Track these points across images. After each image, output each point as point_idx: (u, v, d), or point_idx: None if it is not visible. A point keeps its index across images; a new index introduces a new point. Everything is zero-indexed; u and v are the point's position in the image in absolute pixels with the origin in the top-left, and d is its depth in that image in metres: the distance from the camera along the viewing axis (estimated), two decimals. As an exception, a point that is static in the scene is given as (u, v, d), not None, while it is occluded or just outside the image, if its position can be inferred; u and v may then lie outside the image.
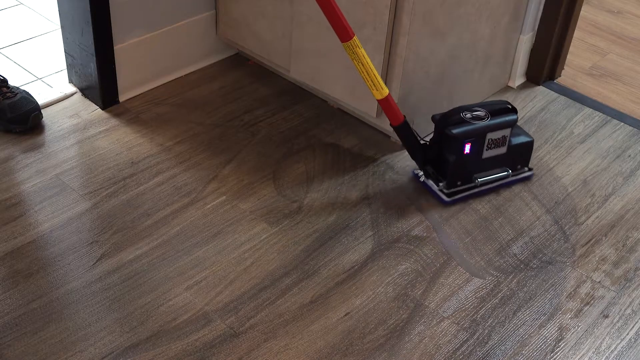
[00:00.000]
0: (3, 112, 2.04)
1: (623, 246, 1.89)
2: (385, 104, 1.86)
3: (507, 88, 2.45)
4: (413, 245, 1.84)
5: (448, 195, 1.95)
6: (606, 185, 2.07)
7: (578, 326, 1.67)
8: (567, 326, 1.67)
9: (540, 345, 1.62)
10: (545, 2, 2.33)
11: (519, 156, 2.03)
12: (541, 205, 1.99)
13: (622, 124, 2.32)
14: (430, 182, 1.98)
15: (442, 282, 1.75)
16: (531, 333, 1.65)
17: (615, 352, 1.62)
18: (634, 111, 2.41)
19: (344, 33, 1.75)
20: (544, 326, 1.66)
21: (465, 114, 1.94)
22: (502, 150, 1.97)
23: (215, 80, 2.35)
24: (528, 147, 2.03)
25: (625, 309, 1.72)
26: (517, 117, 1.97)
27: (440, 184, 1.97)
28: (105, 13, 2.05)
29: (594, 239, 1.90)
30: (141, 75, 2.25)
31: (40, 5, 2.68)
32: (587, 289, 1.76)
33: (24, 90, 2.13)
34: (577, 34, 2.71)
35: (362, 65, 1.78)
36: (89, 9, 2.01)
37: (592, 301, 1.73)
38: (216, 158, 2.05)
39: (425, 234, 1.87)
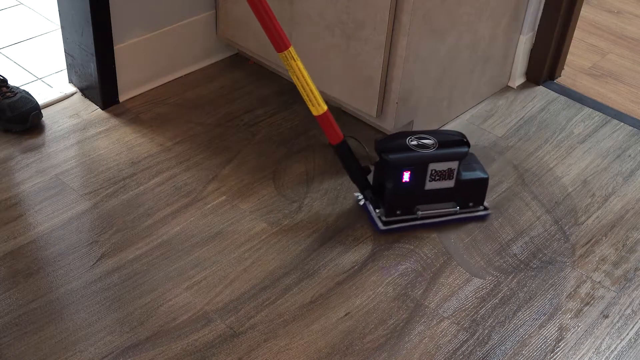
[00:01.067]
0: (3, 111, 2.04)
1: (623, 246, 1.89)
2: (323, 121, 1.77)
3: (507, 88, 2.45)
4: (413, 245, 1.84)
5: (385, 223, 1.86)
6: (606, 185, 2.07)
7: (578, 326, 1.67)
8: (567, 326, 1.67)
9: (540, 345, 1.62)
10: (545, 2, 2.33)
11: (471, 192, 1.89)
12: (541, 205, 1.99)
13: (622, 124, 2.32)
14: (370, 207, 1.89)
15: (442, 282, 1.75)
16: (531, 333, 1.65)
17: (615, 352, 1.62)
18: (634, 111, 2.41)
19: (279, 43, 1.69)
20: (544, 326, 1.66)
21: (410, 141, 1.83)
22: (449, 183, 1.85)
23: (215, 80, 2.35)
24: (482, 184, 1.90)
25: (625, 309, 1.72)
26: (468, 151, 1.85)
27: (378, 211, 1.88)
28: (105, 13, 2.05)
29: (594, 239, 1.90)
30: (141, 75, 2.25)
31: (40, 5, 2.68)
32: (587, 289, 1.76)
33: (24, 90, 2.13)
34: (577, 34, 2.71)
35: (298, 78, 1.72)
36: (89, 9, 2.01)
37: (592, 301, 1.73)
38: (216, 158, 2.05)
39: (425, 234, 1.87)
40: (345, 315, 1.65)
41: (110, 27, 2.09)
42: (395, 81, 1.98)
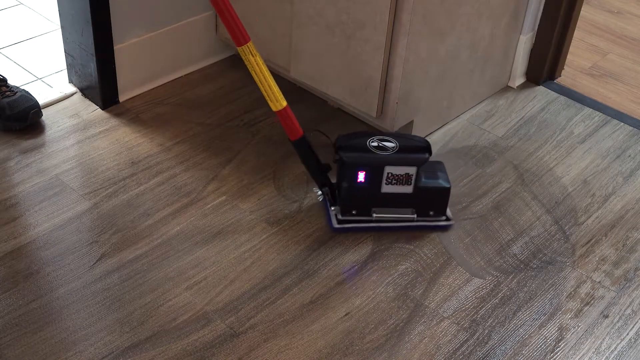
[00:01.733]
0: (2, 110, 2.04)
1: (623, 246, 1.89)
2: (283, 117, 1.76)
3: (507, 88, 2.45)
4: (413, 245, 1.84)
5: (340, 221, 1.84)
6: (606, 185, 2.07)
7: (578, 326, 1.67)
8: (567, 326, 1.67)
9: (540, 345, 1.62)
10: (545, 2, 2.33)
11: (431, 201, 1.85)
12: (541, 205, 1.99)
13: (622, 124, 2.32)
14: (328, 204, 1.88)
15: (442, 282, 1.75)
16: (531, 333, 1.65)
17: (615, 352, 1.62)
18: (634, 111, 2.41)
19: (238, 37, 1.67)
20: (544, 326, 1.66)
21: (371, 141, 1.81)
22: (407, 189, 1.81)
23: (215, 80, 2.35)
24: (442, 194, 1.85)
25: (625, 309, 1.72)
26: (427, 158, 1.81)
27: (334, 208, 1.86)
28: (105, 13, 2.05)
29: (594, 239, 1.90)
30: (141, 75, 2.25)
31: (40, 5, 2.68)
32: (587, 289, 1.76)
33: (24, 89, 2.13)
34: (577, 34, 2.71)
35: (256, 73, 1.70)
36: (89, 9, 2.01)
37: (592, 301, 1.73)
38: (216, 158, 2.05)
39: (425, 234, 1.87)
40: (345, 315, 1.65)
41: (110, 27, 2.09)
42: (395, 81, 1.97)
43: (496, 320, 1.67)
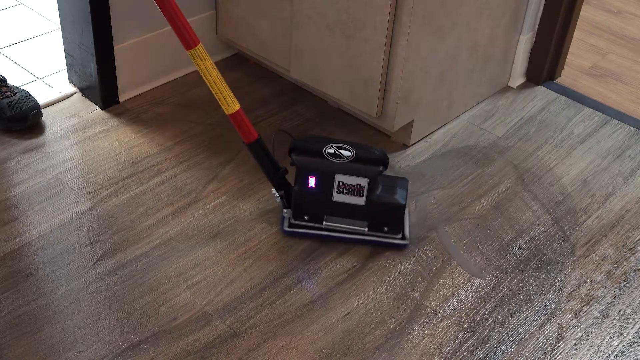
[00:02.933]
0: (2, 110, 2.04)
1: (623, 246, 1.89)
2: (236, 120, 1.71)
3: (507, 88, 2.45)
4: (413, 245, 1.84)
5: (291, 225, 1.82)
6: (606, 185, 2.07)
7: (578, 326, 1.67)
8: (567, 326, 1.67)
9: (540, 345, 1.62)
10: (545, 2, 2.33)
11: (385, 217, 1.79)
12: (541, 205, 1.99)
13: (622, 124, 2.32)
14: (282, 207, 1.85)
15: (442, 282, 1.75)
16: (531, 333, 1.65)
17: (615, 352, 1.62)
18: (634, 111, 2.41)
19: (187, 40, 1.62)
20: (544, 326, 1.66)
21: (328, 148, 1.76)
22: (360, 201, 1.76)
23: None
24: (396, 210, 1.78)
25: (625, 309, 1.72)
26: (380, 171, 1.75)
27: (286, 211, 1.84)
28: (105, 13, 2.05)
29: (594, 239, 1.90)
30: (141, 75, 2.25)
31: (40, 5, 2.68)
32: (587, 289, 1.76)
33: (24, 90, 2.13)
34: (577, 34, 2.71)
35: (206, 77, 1.65)
36: (89, 9, 2.01)
37: (592, 301, 1.73)
38: (216, 158, 2.05)
39: (425, 234, 1.87)
40: (345, 315, 1.65)
41: (110, 27, 2.09)
42: (395, 81, 1.98)
43: (496, 320, 1.67)
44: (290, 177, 1.82)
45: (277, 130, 1.81)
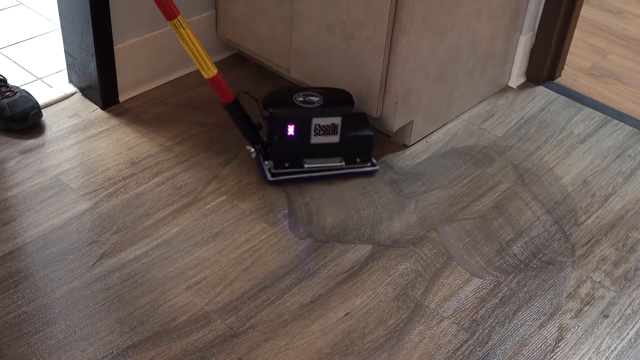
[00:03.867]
0: (3, 110, 2.04)
1: (623, 246, 1.89)
2: (214, 83, 1.87)
3: (507, 88, 2.45)
4: (413, 245, 1.84)
5: (273, 175, 1.96)
6: (606, 185, 2.07)
7: (578, 326, 1.67)
8: (567, 326, 1.67)
9: (540, 345, 1.62)
10: (545, 2, 2.33)
11: (357, 149, 2.00)
12: (541, 205, 1.99)
13: (622, 124, 2.32)
14: (261, 160, 1.99)
15: (442, 282, 1.75)
16: (531, 333, 1.65)
17: (615, 352, 1.62)
18: (634, 111, 2.41)
19: (168, 11, 1.76)
20: (544, 326, 1.66)
21: (297, 97, 1.94)
22: (334, 139, 1.96)
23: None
24: (366, 141, 1.99)
25: (625, 309, 1.72)
26: (351, 108, 1.97)
27: (267, 163, 1.98)
28: (105, 13, 2.05)
29: (594, 239, 1.90)
30: (141, 75, 2.25)
31: (40, 5, 2.68)
32: (587, 289, 1.76)
33: (24, 90, 2.13)
34: (577, 34, 2.71)
35: (188, 45, 1.80)
36: (89, 9, 2.01)
37: (592, 301, 1.73)
38: (216, 158, 2.05)
39: (425, 234, 1.87)
40: (345, 315, 1.65)
41: (110, 27, 2.09)
42: (395, 81, 1.98)
43: (496, 320, 1.67)
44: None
45: (239, 92, 1.97)
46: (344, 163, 1.99)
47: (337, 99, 1.98)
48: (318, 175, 1.98)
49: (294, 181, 1.96)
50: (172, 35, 2.26)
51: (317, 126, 1.93)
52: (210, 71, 1.84)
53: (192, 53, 1.81)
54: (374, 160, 2.04)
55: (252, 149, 2.00)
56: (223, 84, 1.88)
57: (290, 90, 2.00)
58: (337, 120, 1.94)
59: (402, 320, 1.65)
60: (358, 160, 2.01)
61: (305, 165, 1.97)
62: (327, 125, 1.93)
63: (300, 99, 1.94)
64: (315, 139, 1.94)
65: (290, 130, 1.92)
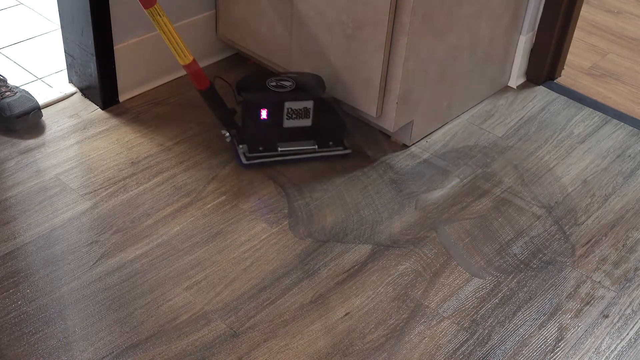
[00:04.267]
0: (2, 110, 2.04)
1: (623, 246, 1.89)
2: (190, 70, 1.90)
3: (507, 88, 2.45)
4: (413, 245, 1.84)
5: (248, 158, 2.00)
6: (606, 185, 2.07)
7: (578, 326, 1.67)
8: (567, 326, 1.67)
9: (540, 345, 1.62)
10: (545, 2, 2.33)
11: (328, 132, 2.05)
12: (541, 205, 1.99)
13: (622, 124, 2.32)
14: (236, 144, 2.03)
15: (442, 282, 1.75)
16: (531, 333, 1.65)
17: (615, 352, 1.62)
18: (634, 111, 2.41)
19: (145, 0, 1.80)
20: (544, 326, 1.66)
21: (270, 82, 1.99)
22: (307, 122, 2.01)
23: (215, 80, 2.35)
24: (337, 124, 2.05)
25: (625, 309, 1.72)
26: (323, 92, 2.01)
27: (241, 147, 2.02)
28: (105, 13, 2.05)
29: (594, 239, 1.90)
30: (141, 75, 2.25)
31: (40, 5, 2.68)
32: (587, 289, 1.76)
33: (24, 90, 2.13)
34: (577, 34, 2.71)
35: (165, 32, 1.83)
36: (89, 9, 2.01)
37: (592, 301, 1.73)
38: (216, 158, 2.05)
39: (425, 234, 1.87)
40: (345, 315, 1.65)
41: (110, 27, 2.09)
42: (395, 81, 1.98)
43: (496, 320, 1.67)
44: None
45: (214, 76, 2.02)
46: (316, 146, 2.04)
47: (309, 84, 2.02)
48: (292, 158, 2.03)
49: (269, 164, 2.01)
50: (172, 35, 2.27)
51: (290, 110, 1.97)
52: (186, 58, 1.87)
53: (169, 40, 1.84)
54: (345, 143, 2.09)
55: (227, 134, 2.04)
56: (200, 70, 1.92)
57: (263, 75, 2.06)
58: (309, 104, 1.98)
59: (402, 320, 1.65)
60: (331, 143, 2.06)
61: (279, 149, 2.02)
62: (300, 109, 1.98)
63: (273, 83, 1.99)
64: (288, 123, 1.99)
65: (264, 114, 1.97)
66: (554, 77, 2.51)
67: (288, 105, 1.97)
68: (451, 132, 2.23)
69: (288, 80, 2.00)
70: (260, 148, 2.01)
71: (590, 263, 1.83)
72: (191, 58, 1.88)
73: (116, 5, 2.07)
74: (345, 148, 2.08)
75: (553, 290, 1.75)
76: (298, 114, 1.98)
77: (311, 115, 2.00)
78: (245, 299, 1.66)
